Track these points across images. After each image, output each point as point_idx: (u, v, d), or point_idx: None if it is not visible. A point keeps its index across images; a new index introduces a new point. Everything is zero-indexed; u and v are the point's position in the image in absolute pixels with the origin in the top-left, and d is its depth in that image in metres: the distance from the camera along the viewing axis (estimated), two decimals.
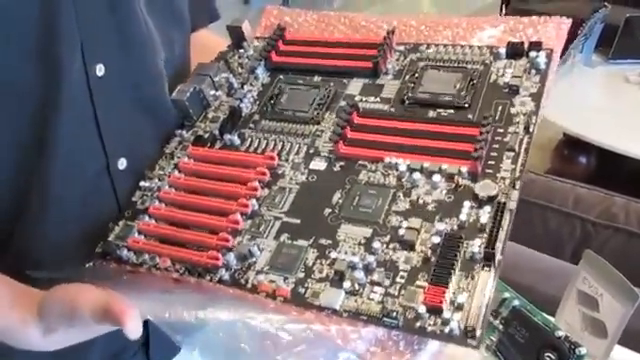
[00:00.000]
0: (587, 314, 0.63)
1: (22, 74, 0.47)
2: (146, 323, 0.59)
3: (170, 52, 0.58)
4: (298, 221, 0.50)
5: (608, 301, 0.60)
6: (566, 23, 0.55)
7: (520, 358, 0.55)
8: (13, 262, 0.50)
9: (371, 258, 0.45)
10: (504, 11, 1.74)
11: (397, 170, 0.50)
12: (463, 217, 0.46)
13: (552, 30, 0.55)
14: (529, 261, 0.95)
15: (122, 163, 0.55)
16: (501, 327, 0.55)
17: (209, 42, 0.64)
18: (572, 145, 1.64)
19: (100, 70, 0.51)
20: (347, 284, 0.45)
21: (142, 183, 0.56)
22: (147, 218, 0.53)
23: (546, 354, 0.54)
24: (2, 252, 0.51)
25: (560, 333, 0.54)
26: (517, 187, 0.47)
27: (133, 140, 0.55)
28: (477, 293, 0.42)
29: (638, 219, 1.02)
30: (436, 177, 0.49)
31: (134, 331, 0.42)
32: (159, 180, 0.56)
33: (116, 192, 0.55)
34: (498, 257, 0.44)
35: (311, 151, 0.54)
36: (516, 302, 0.56)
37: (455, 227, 0.46)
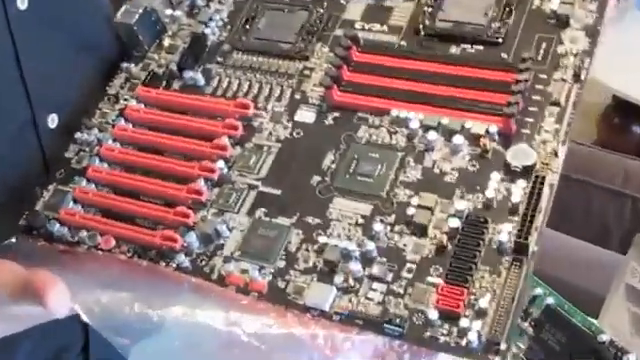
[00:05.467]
0: (638, 314, 0.62)
1: None
2: (85, 326, 0.57)
3: None
4: (278, 192, 0.48)
5: None
6: None
7: None
8: None
9: (371, 245, 0.44)
10: None
11: (407, 127, 0.48)
12: (490, 193, 0.44)
13: None
14: (567, 250, 0.94)
15: (53, 120, 0.53)
16: (531, 331, 0.54)
17: None
18: (623, 111, 1.56)
19: (22, 2, 0.49)
20: (339, 278, 0.43)
21: (78, 134, 0.54)
22: (85, 182, 0.51)
23: None
24: None
25: (604, 337, 0.52)
26: (561, 154, 0.45)
27: (67, 91, 0.54)
28: (504, 296, 0.41)
29: None
30: (457, 138, 0.47)
31: (57, 307, 0.41)
32: (100, 131, 0.54)
33: (45, 157, 0.53)
34: (532, 248, 0.42)
35: (296, 97, 0.52)
36: (550, 300, 0.54)
37: (479, 206, 0.44)
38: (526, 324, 0.53)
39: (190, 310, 0.44)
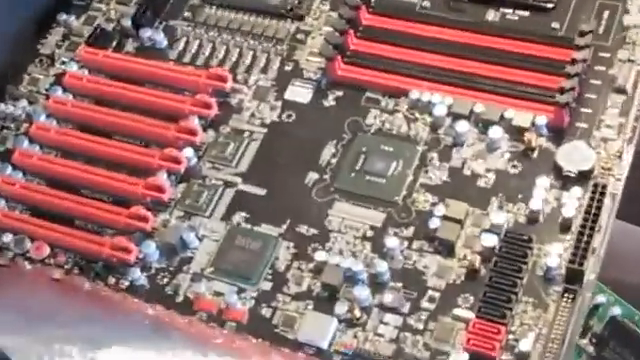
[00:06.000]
0: None
1: None
2: None
3: None
4: (263, 192, 0.46)
5: None
6: None
7: None
8: None
9: (382, 265, 0.42)
10: None
11: (430, 114, 0.47)
12: (536, 204, 0.42)
13: None
14: (638, 246, 0.90)
15: None
16: (592, 349, 0.53)
17: None
18: None
19: None
20: (341, 307, 0.41)
21: (1, 106, 0.52)
22: (10, 169, 0.50)
23: None
24: None
25: None
26: (627, 157, 0.43)
27: None
28: (552, 336, 0.39)
29: None
30: (495, 131, 0.45)
31: None
32: (30, 102, 0.52)
33: None
34: (589, 277, 0.40)
35: (287, 68, 0.51)
36: (616, 310, 0.54)
37: (522, 220, 0.42)
38: (585, 341, 0.53)
39: (148, 354, 0.41)
